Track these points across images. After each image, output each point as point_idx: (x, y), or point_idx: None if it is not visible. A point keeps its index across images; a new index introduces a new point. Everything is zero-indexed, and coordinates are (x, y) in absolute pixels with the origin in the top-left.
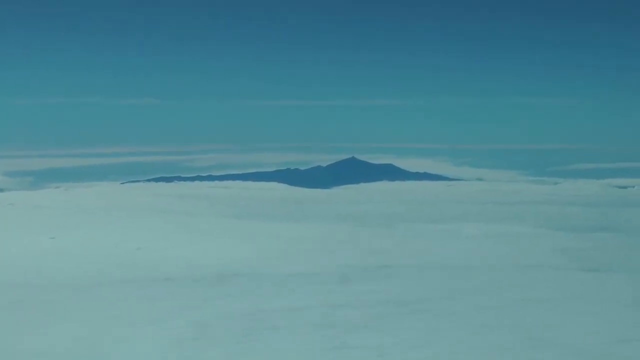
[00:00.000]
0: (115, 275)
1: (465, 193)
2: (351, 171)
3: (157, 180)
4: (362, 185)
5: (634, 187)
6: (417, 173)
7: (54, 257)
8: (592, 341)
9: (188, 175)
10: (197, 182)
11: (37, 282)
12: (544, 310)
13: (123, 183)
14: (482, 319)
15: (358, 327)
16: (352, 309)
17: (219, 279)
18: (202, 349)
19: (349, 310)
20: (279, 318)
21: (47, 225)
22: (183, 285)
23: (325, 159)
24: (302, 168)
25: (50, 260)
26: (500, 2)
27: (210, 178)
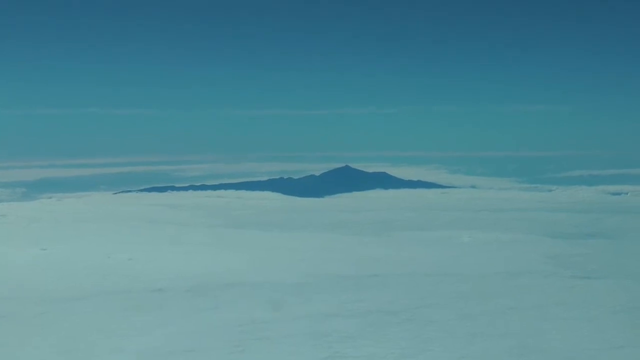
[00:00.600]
0: (106, 286)
1: (459, 200)
2: (345, 180)
3: (149, 190)
4: (356, 193)
5: (627, 193)
6: (410, 181)
7: (45, 268)
8: (584, 348)
9: (181, 185)
10: (190, 192)
11: (27, 294)
12: (533, 317)
13: (115, 193)
14: (472, 326)
15: (350, 337)
16: (344, 318)
17: (211, 289)
18: None
19: (341, 319)
20: (270, 328)
21: (38, 237)
22: (175, 295)
23: (318, 168)
24: (296, 177)
25: (41, 271)
26: (494, 10)
27: (204, 188)
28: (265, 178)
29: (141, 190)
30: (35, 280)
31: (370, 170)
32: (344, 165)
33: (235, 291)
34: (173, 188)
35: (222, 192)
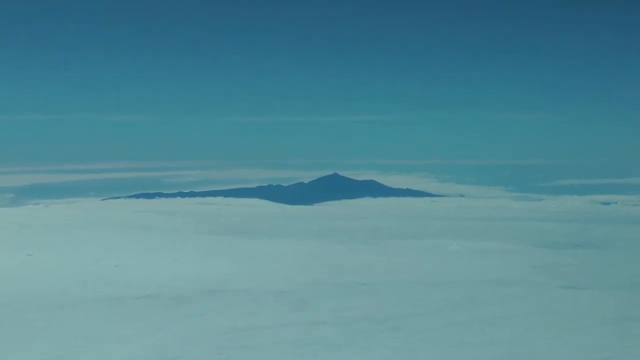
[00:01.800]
0: (94, 293)
1: (448, 209)
2: (333, 187)
3: (138, 196)
4: (344, 201)
5: (616, 203)
6: (399, 189)
7: (32, 275)
8: (571, 358)
9: (170, 192)
10: (178, 199)
11: (14, 301)
12: (522, 326)
13: (104, 199)
14: (460, 335)
15: (335, 345)
16: (329, 327)
17: (197, 296)
18: None
19: (326, 327)
20: (254, 336)
21: (26, 243)
22: (161, 302)
23: (307, 175)
24: (285, 184)
25: (28, 278)
26: (483, 18)
27: (192, 194)
28: (254, 185)
29: (130, 197)
30: (22, 287)
31: (359, 178)
32: (332, 172)
33: (223, 298)
34: (162, 194)
35: (211, 199)
